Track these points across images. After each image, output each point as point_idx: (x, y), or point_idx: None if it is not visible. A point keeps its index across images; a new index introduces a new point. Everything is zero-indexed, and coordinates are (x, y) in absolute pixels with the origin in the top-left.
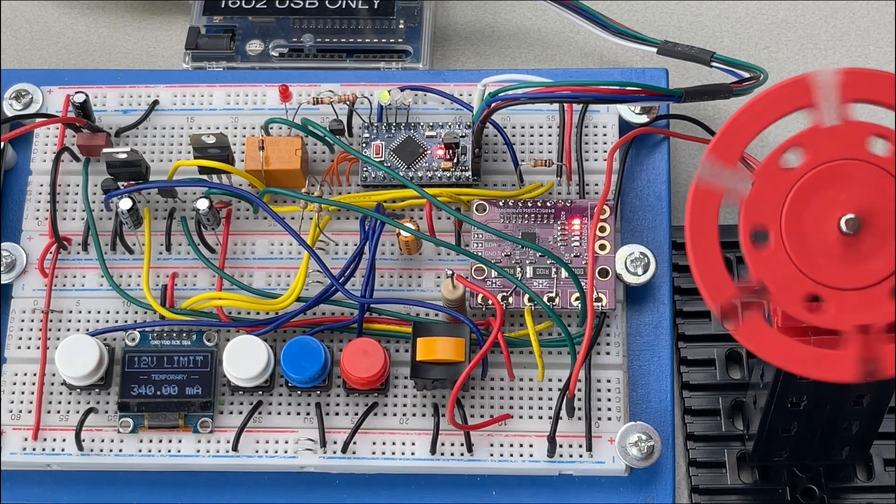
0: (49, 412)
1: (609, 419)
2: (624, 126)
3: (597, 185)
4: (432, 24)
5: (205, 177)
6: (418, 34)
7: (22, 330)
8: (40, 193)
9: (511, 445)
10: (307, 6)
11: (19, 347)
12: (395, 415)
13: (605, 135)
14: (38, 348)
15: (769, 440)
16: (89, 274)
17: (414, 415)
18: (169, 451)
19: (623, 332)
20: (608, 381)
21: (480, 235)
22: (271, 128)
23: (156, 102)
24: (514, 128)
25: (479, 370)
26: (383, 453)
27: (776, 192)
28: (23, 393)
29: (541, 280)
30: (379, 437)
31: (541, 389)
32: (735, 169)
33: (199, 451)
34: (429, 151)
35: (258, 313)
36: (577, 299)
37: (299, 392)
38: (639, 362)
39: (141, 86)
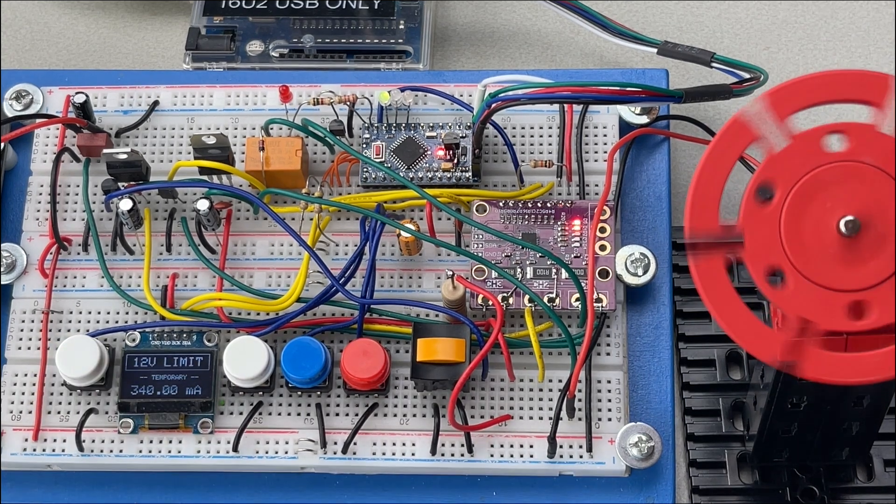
0: (49, 413)
1: (609, 420)
2: (624, 127)
3: (597, 185)
4: (432, 24)
5: (205, 177)
6: (418, 35)
7: (22, 331)
8: (40, 194)
9: (511, 446)
10: (307, 7)
11: (19, 348)
12: (395, 415)
13: (605, 135)
14: (39, 349)
15: (769, 441)
16: (89, 274)
17: (414, 415)
18: (169, 451)
19: (623, 333)
20: (608, 381)
21: (481, 236)
22: (271, 128)
23: (156, 103)
24: (514, 128)
25: (480, 371)
26: (384, 454)
27: (769, 229)
28: (23, 393)
29: (541, 281)
30: (379, 437)
31: (541, 390)
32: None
33: (199, 451)
34: (429, 152)
35: (258, 314)
36: (577, 300)
37: (300, 393)
38: (639, 363)
39: (141, 86)
